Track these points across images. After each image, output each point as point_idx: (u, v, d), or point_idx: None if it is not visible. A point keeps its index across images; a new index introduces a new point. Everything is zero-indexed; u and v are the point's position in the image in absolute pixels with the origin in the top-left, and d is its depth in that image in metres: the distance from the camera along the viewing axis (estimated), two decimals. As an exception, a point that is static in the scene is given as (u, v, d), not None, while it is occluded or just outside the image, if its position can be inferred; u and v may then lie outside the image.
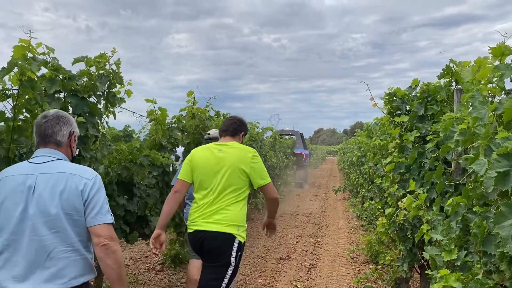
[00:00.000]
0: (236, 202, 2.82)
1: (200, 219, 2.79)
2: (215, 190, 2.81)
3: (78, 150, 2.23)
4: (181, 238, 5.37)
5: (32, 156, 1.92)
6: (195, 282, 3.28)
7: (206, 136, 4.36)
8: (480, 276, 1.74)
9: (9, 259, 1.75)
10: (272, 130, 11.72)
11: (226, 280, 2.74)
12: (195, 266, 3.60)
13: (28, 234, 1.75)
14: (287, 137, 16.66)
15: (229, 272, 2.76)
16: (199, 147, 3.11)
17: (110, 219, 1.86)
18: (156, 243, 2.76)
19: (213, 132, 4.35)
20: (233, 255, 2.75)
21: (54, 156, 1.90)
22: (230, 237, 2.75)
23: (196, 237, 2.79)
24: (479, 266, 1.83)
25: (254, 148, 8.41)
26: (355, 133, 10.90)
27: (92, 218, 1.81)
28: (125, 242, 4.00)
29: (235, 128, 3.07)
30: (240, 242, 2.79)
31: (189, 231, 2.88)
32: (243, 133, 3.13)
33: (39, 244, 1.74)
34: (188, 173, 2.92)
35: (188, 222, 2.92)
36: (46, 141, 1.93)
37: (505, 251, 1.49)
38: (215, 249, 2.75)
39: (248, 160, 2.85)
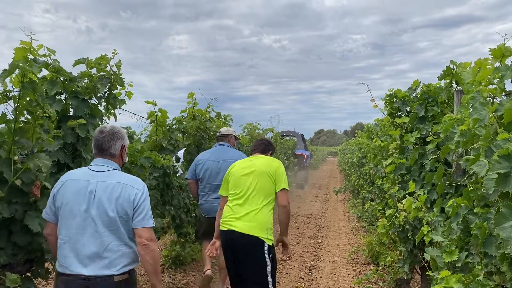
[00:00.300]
0: (266, 205, 3.06)
1: (233, 219, 3.04)
2: (246, 192, 3.09)
3: (127, 158, 2.63)
4: (181, 240, 5.38)
5: (91, 164, 2.32)
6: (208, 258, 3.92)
7: (218, 134, 4.67)
8: (481, 277, 1.75)
9: (73, 248, 2.12)
10: (272, 131, 11.74)
11: (269, 276, 2.99)
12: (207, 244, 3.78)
13: (89, 230, 2.13)
14: (287, 138, 16.68)
15: (268, 269, 2.99)
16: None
17: (152, 223, 2.24)
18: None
19: (225, 130, 4.69)
20: (267, 257, 2.98)
21: (110, 166, 2.30)
22: (260, 242, 2.97)
23: (229, 235, 3.04)
24: (480, 267, 1.83)
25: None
26: (356, 134, 10.90)
27: (138, 222, 2.20)
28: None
29: (264, 148, 3.49)
30: (269, 245, 3.00)
31: (222, 228, 3.13)
32: (271, 152, 3.52)
33: (98, 239, 2.13)
34: (225, 185, 3.30)
35: (222, 220, 3.16)
36: (102, 153, 2.32)
37: (506, 252, 1.49)
38: (249, 251, 2.99)
39: (274, 166, 3.19)
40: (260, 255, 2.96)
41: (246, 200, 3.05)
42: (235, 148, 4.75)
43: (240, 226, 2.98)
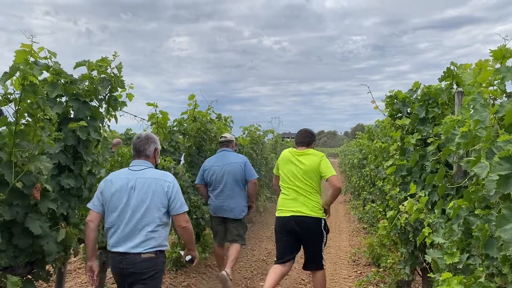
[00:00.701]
0: (315, 193, 3.85)
1: (295, 206, 3.81)
2: (299, 186, 3.83)
3: (158, 160, 3.08)
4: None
5: (131, 165, 2.86)
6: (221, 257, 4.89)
7: (221, 139, 5.06)
8: (482, 279, 1.74)
9: (116, 231, 2.69)
10: (273, 133, 11.74)
11: (323, 247, 3.88)
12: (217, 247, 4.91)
13: (128, 217, 2.68)
14: (288, 139, 16.73)
15: (323, 241, 3.86)
16: (284, 150, 4.23)
17: (186, 208, 2.81)
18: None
19: (229, 136, 5.12)
20: (324, 231, 3.85)
21: (145, 165, 2.83)
22: (318, 220, 3.80)
23: (292, 220, 3.80)
24: (481, 269, 1.83)
25: (255, 150, 8.49)
26: (356, 136, 10.90)
27: (175, 210, 2.75)
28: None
29: (309, 141, 4.10)
30: (324, 220, 3.87)
31: (280, 215, 3.90)
32: (314, 142, 4.17)
33: (136, 223, 2.67)
34: (276, 170, 4.15)
35: (281, 208, 3.92)
36: (140, 154, 2.88)
37: (507, 254, 1.49)
38: (309, 228, 3.79)
39: (319, 160, 3.87)
40: (318, 229, 3.82)
41: (301, 191, 3.82)
42: (236, 151, 5.19)
43: (303, 211, 3.77)
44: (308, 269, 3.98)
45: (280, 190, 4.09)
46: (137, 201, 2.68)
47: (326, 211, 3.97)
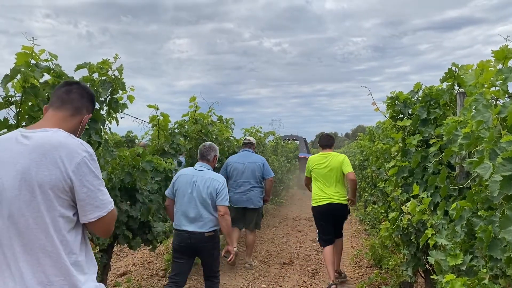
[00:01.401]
0: (341, 185, 5.09)
1: (329, 196, 5.01)
2: (331, 181, 5.04)
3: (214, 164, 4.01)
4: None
5: (196, 165, 3.88)
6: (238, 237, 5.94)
7: (244, 141, 6.13)
8: (486, 281, 1.73)
9: (183, 214, 3.67)
10: (274, 135, 11.71)
11: (344, 225, 5.30)
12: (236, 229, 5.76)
13: (192, 204, 3.66)
14: (289, 141, 16.76)
15: (346, 220, 5.28)
16: (312, 156, 5.41)
17: (227, 203, 3.71)
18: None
19: (252, 139, 6.24)
20: (347, 214, 5.21)
21: (206, 168, 3.85)
22: (345, 205, 5.08)
23: (327, 206, 5.00)
24: (485, 270, 1.82)
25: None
26: (357, 137, 10.89)
27: (219, 201, 3.68)
28: (127, 248, 4.01)
29: (331, 143, 5.32)
30: (348, 206, 5.15)
31: (318, 204, 5.06)
32: (333, 145, 5.38)
33: (196, 210, 3.65)
34: (308, 172, 5.32)
35: (314, 198, 5.12)
36: (203, 158, 3.91)
37: (511, 255, 1.48)
38: (340, 211, 5.06)
39: (341, 160, 5.07)
40: (345, 211, 5.13)
41: (331, 185, 5.04)
42: (256, 152, 6.26)
43: (335, 200, 4.99)
44: (337, 237, 5.18)
45: (311, 187, 5.36)
46: (197, 193, 3.66)
47: (353, 202, 5.19)
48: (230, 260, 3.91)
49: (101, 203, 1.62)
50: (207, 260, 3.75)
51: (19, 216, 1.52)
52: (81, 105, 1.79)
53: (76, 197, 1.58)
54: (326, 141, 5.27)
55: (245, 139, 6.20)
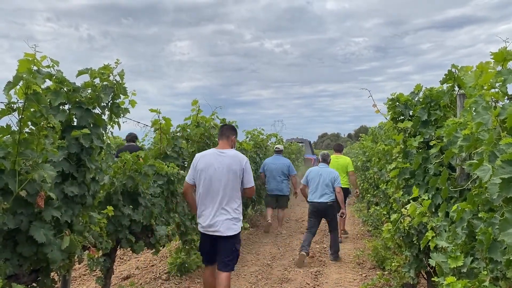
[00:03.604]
0: (346, 176, 7.75)
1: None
2: (341, 172, 7.08)
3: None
4: (186, 247, 5.37)
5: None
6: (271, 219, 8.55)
7: (276, 149, 8.83)
8: (487, 283, 1.73)
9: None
10: (276, 137, 11.72)
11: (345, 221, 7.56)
12: (270, 209, 8.71)
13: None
14: (291, 143, 16.94)
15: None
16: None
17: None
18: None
19: (281, 147, 8.96)
20: (348, 193, 7.99)
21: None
22: (347, 188, 7.49)
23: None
24: (485, 273, 1.82)
25: (259, 154, 8.76)
26: (360, 138, 10.88)
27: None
28: (130, 252, 4.02)
29: (341, 148, 8.26)
30: (349, 188, 7.66)
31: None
32: (343, 150, 7.23)
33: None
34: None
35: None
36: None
37: (511, 258, 1.48)
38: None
39: (347, 162, 7.73)
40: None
41: (340, 174, 6.85)
42: (284, 156, 9.16)
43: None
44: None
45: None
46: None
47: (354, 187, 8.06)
48: None
49: (249, 181, 3.97)
50: None
51: (226, 181, 3.83)
52: (230, 134, 4.07)
53: (243, 178, 3.90)
54: (338, 147, 8.33)
55: (276, 147, 8.88)
